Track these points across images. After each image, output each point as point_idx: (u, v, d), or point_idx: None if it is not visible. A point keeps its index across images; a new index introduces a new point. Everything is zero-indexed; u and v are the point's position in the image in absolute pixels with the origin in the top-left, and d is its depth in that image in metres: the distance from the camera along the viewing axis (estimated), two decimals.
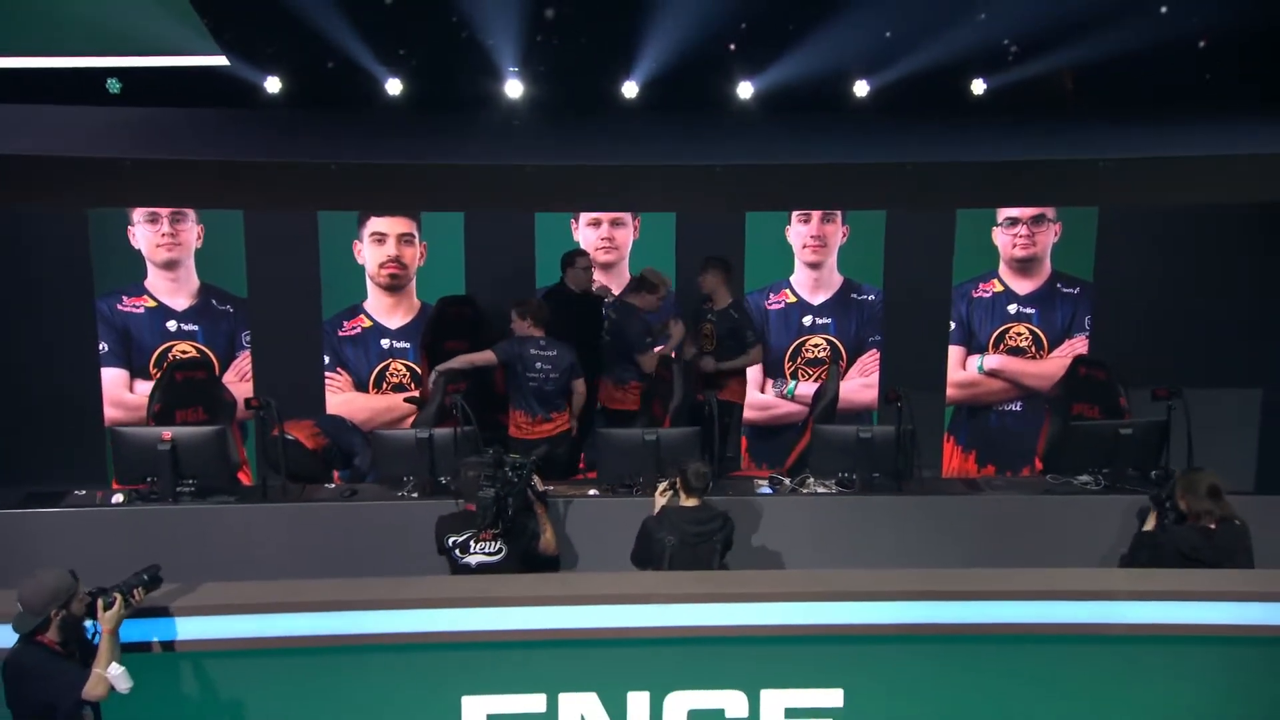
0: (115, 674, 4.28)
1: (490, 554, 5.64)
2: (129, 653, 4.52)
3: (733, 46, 8.64)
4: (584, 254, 8.26)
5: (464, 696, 5.06)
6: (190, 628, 4.87)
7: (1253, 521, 5.59)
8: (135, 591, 4.50)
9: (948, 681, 5.10)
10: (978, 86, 8.65)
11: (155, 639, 4.86)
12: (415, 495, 6.60)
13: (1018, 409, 9.34)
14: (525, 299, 7.50)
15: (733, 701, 5.11)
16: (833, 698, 5.11)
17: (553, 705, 5.09)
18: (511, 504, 5.60)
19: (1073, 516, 6.57)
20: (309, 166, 7.25)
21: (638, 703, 5.11)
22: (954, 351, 9.34)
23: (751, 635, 5.05)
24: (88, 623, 4.43)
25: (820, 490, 6.77)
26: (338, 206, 8.42)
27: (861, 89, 8.63)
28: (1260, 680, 5.02)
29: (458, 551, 5.66)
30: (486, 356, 7.22)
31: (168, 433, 6.30)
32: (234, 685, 4.98)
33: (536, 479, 5.96)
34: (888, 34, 8.61)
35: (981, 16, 8.43)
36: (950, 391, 9.36)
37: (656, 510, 5.83)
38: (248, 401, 6.83)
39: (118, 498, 6.52)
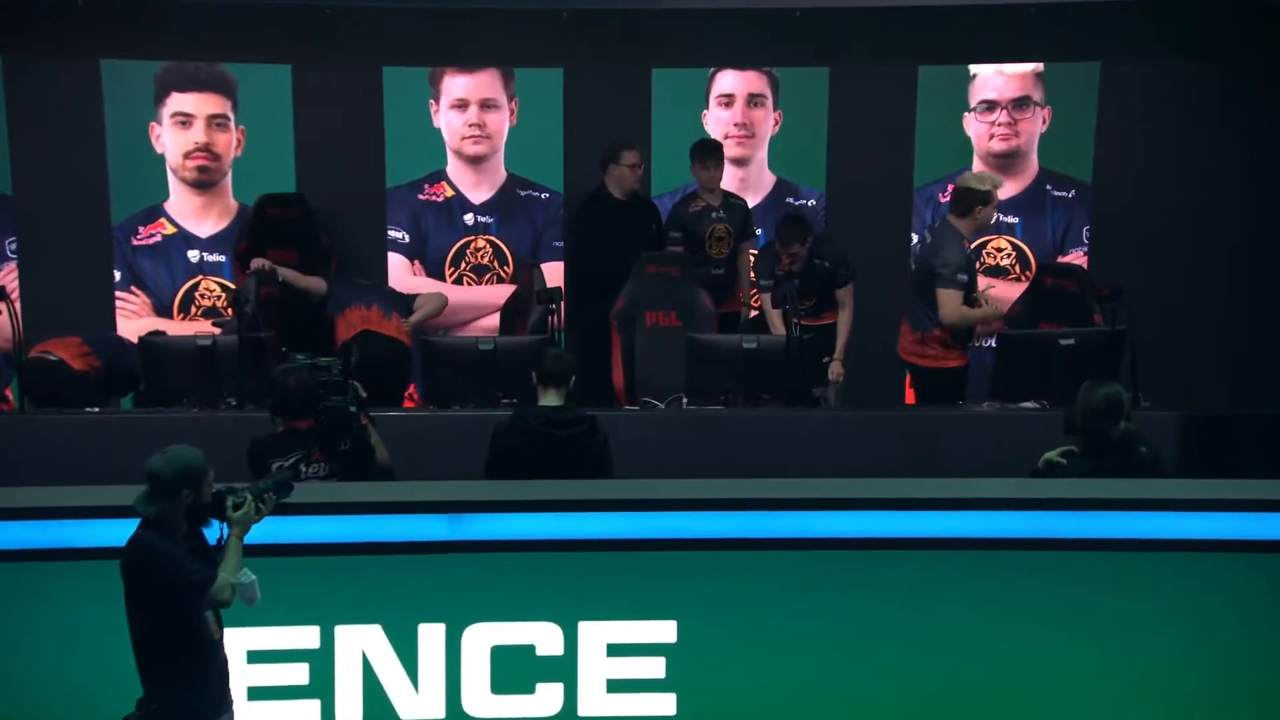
0: (247, 582, 4.54)
1: (322, 477, 5.96)
2: None
3: None
4: (631, 147, 8.38)
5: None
6: None
7: None
8: (266, 496, 4.72)
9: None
10: None
11: None
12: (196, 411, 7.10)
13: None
14: None
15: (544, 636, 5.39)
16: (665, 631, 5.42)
17: (327, 640, 5.32)
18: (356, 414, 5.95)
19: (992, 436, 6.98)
20: None
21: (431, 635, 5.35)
22: None
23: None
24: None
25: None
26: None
27: None
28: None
29: None
30: (317, 284, 8.26)
31: None
32: None
33: (356, 383, 6.16)
34: None
35: None
36: None
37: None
38: None
39: None
